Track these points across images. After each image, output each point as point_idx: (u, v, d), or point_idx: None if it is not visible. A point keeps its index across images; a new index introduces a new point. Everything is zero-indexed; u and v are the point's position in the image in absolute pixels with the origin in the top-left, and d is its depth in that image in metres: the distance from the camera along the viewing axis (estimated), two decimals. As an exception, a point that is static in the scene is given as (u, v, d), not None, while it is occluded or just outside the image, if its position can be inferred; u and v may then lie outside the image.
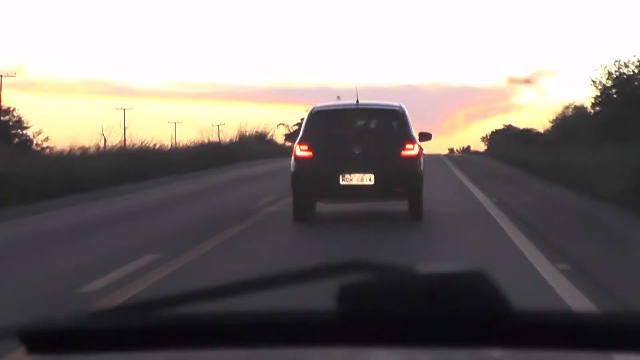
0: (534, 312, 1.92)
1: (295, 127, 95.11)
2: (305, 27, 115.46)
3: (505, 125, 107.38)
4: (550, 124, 67.70)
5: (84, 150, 41.79)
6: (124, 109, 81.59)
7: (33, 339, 1.89)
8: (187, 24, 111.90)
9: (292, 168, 18.40)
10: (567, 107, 65.06)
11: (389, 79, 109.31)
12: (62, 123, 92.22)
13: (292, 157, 18.42)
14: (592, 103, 55.54)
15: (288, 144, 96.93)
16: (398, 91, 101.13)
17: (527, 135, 66.22)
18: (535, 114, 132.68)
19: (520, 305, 1.88)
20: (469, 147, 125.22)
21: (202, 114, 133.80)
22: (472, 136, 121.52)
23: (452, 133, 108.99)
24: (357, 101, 18.69)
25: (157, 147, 50.35)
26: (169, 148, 52.64)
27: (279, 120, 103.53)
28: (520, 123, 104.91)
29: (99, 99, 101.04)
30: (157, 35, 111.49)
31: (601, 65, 53.07)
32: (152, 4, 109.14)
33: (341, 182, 17.88)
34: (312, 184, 17.92)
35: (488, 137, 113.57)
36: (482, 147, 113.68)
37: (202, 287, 1.88)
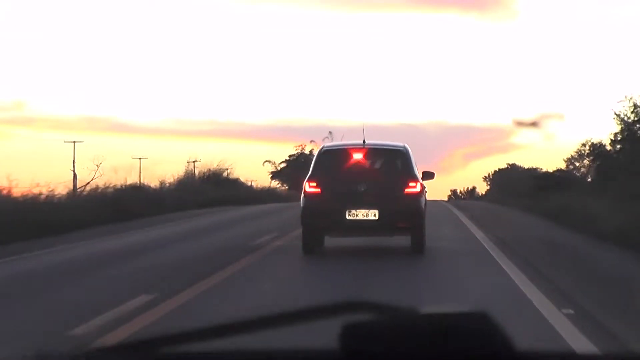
0: (537, 352, 1.82)
1: (283, 165, 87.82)
2: (305, 66, 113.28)
3: (509, 165, 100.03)
4: (565, 163, 60.14)
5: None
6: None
7: None
8: (187, 62, 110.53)
9: (301, 203, 18.33)
10: (584, 145, 57.26)
11: (388, 117, 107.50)
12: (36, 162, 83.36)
13: (302, 193, 18.34)
14: (611, 140, 48.30)
15: (276, 184, 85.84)
16: (397, 130, 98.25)
17: (543, 176, 55.47)
18: (535, 153, 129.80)
19: (523, 345, 1.77)
20: (474, 188, 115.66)
21: (200, 151, 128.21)
22: (472, 176, 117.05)
23: (451, 172, 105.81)
24: (364, 141, 18.62)
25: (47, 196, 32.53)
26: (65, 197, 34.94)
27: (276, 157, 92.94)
28: (522, 163, 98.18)
29: (99, 135, 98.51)
30: (158, 73, 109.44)
31: (625, 97, 46.16)
32: (155, 41, 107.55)
33: (347, 217, 17.82)
34: (320, 218, 17.90)
35: (490, 177, 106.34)
36: (483, 187, 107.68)
37: (205, 325, 1.77)
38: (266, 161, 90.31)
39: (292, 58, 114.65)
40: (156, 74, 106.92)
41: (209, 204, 45.93)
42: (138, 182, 50.66)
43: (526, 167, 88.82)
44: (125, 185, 42.17)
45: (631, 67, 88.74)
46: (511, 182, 70.34)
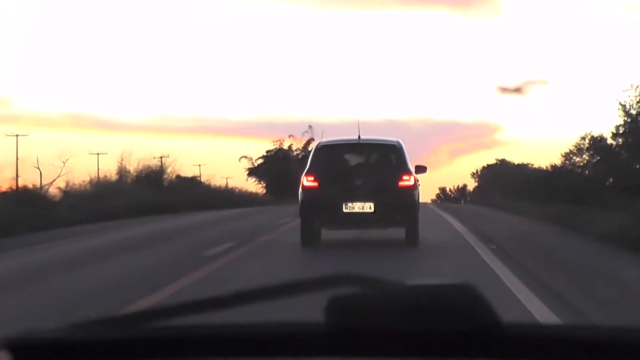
0: (523, 325, 1.77)
1: (260, 161, 77.87)
2: (289, 62, 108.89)
3: (498, 160, 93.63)
4: (562, 158, 52.12)
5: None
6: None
7: (21, 350, 1.71)
8: (171, 59, 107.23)
9: (299, 197, 18.42)
10: (583, 138, 49.79)
11: (373, 114, 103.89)
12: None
13: (300, 188, 18.42)
14: (613, 133, 43.03)
15: (253, 182, 76.10)
16: (382, 126, 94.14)
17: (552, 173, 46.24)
18: (519, 149, 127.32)
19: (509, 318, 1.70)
20: (464, 186, 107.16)
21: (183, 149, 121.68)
22: (459, 172, 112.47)
23: (436, 168, 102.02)
24: (359, 137, 18.73)
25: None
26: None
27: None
28: (510, 158, 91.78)
29: (83, 133, 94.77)
30: (142, 70, 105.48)
31: (631, 86, 41.30)
32: (138, 38, 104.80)
33: (344, 210, 17.91)
34: (317, 211, 17.99)
35: (479, 173, 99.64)
36: (472, 184, 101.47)
37: (193, 300, 1.71)
38: (242, 157, 79.72)
39: (276, 54, 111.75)
40: (140, 70, 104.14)
41: (143, 211, 34.31)
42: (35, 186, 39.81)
43: (517, 163, 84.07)
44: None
45: (619, 62, 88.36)
46: (501, 178, 65.36)
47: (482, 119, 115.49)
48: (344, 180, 18.00)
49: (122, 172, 50.32)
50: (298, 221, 18.67)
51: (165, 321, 1.73)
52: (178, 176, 57.51)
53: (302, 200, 18.23)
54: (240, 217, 32.73)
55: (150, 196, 39.44)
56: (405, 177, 17.99)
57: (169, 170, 51.95)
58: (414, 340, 1.68)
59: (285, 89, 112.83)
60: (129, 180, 49.16)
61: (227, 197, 54.12)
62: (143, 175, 49.00)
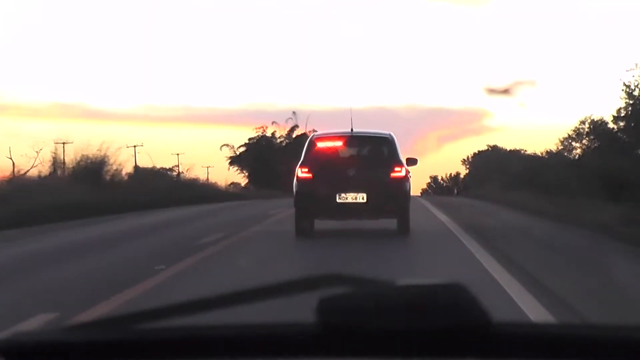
0: (513, 323, 1.73)
1: (243, 149, 71.83)
2: (278, 49, 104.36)
3: (490, 146, 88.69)
4: (560, 144, 48.50)
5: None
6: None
7: (12, 352, 1.67)
8: (159, 48, 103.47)
9: (294, 188, 18.51)
10: (582, 122, 46.38)
11: (361, 101, 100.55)
12: None
13: (295, 179, 18.51)
14: (614, 117, 39.48)
15: (235, 171, 70.39)
16: (370, 113, 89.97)
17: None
18: (508, 135, 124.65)
19: (499, 317, 1.67)
20: (457, 175, 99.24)
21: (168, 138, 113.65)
22: (447, 159, 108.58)
23: (425, 155, 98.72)
24: (352, 129, 18.84)
25: None
26: None
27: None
28: (500, 144, 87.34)
29: (70, 122, 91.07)
30: (129, 59, 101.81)
31: (637, 65, 37.68)
32: (124, 27, 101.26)
33: (337, 200, 18.01)
34: (312, 201, 18.08)
35: (470, 160, 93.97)
36: (462, 171, 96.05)
37: (183, 301, 1.67)
38: (224, 145, 72.93)
39: (265, 42, 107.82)
40: (127, 59, 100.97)
41: (74, 212, 26.09)
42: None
43: (509, 149, 79.87)
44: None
45: (609, 47, 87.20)
46: (496, 166, 59.95)
47: (470, 105, 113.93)
48: (337, 171, 18.09)
49: (55, 165, 40.70)
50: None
51: (155, 322, 1.69)
52: (137, 167, 49.23)
53: (297, 192, 18.34)
54: (197, 218, 26.39)
55: (86, 194, 30.67)
56: (397, 169, 18.12)
57: (112, 162, 39.40)
58: (405, 339, 1.65)
59: (272, 77, 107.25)
60: (64, 174, 39.39)
61: (197, 191, 45.11)
62: (82, 168, 38.20)
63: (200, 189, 47.28)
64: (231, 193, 51.91)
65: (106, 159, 39.10)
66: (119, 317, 1.70)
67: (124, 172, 41.84)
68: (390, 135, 18.98)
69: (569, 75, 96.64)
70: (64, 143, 42.37)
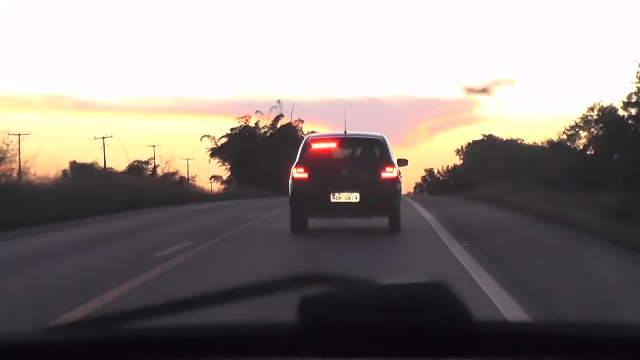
0: (494, 322, 1.69)
1: (225, 140, 67.79)
2: (268, 40, 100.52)
3: (485, 136, 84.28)
4: (566, 133, 44.06)
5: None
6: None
7: None
8: (149, 38, 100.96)
9: (290, 188, 18.65)
10: (591, 109, 42.80)
11: (351, 91, 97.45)
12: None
13: (290, 179, 18.63)
14: (624, 102, 36.07)
15: (216, 163, 62.96)
16: (360, 104, 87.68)
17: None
18: (499, 125, 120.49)
19: (481, 315, 1.62)
20: (454, 167, 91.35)
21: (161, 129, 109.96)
22: (439, 150, 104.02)
23: (415, 145, 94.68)
24: (345, 131, 19.02)
25: None
26: None
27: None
28: (487, 134, 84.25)
29: (60, 114, 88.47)
30: (119, 50, 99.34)
31: None
32: (115, 18, 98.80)
33: (332, 200, 18.12)
34: (307, 201, 18.20)
35: (464, 150, 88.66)
36: (456, 161, 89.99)
37: (164, 301, 1.62)
38: (204, 136, 68.02)
39: (255, 32, 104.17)
40: (118, 50, 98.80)
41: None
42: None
43: (505, 139, 76.69)
44: None
45: (602, 37, 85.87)
46: (488, 155, 57.23)
47: (461, 95, 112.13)
48: (331, 172, 18.21)
49: None
50: None
51: (136, 323, 1.64)
52: (74, 163, 39.18)
53: (292, 191, 18.47)
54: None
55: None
56: (388, 169, 18.24)
57: (8, 157, 28.92)
58: (387, 338, 1.61)
59: (263, 68, 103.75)
60: None
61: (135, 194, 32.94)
62: None
63: (131, 193, 32.72)
64: (205, 195, 44.42)
65: (5, 156, 29.13)
66: (101, 317, 1.65)
67: (32, 171, 31.89)
68: (382, 137, 19.17)
69: (562, 66, 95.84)
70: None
